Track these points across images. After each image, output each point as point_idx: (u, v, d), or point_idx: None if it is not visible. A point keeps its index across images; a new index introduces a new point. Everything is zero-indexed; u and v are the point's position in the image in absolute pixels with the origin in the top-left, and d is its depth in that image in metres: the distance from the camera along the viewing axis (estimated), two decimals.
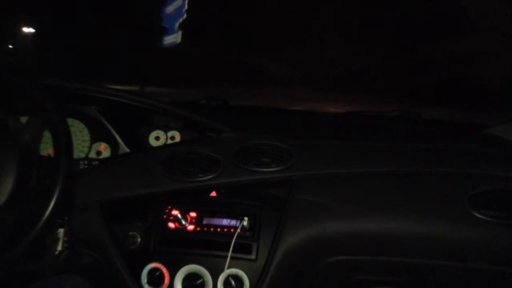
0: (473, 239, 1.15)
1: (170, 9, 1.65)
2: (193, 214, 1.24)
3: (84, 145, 1.42)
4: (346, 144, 1.36)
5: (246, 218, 1.20)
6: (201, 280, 1.16)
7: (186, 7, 1.64)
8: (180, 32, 1.66)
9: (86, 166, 1.31)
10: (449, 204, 1.19)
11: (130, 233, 1.25)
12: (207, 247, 1.20)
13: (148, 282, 1.18)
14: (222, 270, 1.15)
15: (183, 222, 1.22)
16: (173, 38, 1.67)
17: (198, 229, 1.23)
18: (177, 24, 1.65)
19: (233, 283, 1.15)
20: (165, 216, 1.25)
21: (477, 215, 1.15)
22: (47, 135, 1.37)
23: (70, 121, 1.40)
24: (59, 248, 1.13)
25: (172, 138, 1.49)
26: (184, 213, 1.24)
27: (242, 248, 1.18)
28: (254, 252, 1.18)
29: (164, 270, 1.18)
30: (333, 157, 1.30)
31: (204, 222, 1.23)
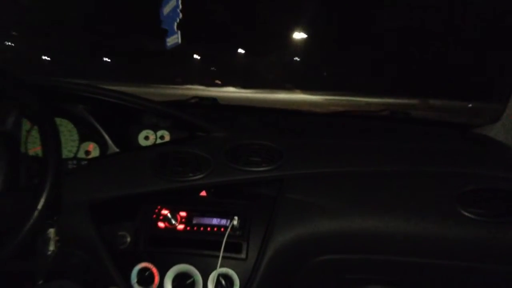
0: (461, 237, 1.16)
1: (166, 10, 1.64)
2: (183, 214, 1.24)
3: (73, 144, 1.41)
4: (336, 144, 1.36)
5: (236, 218, 1.20)
6: (191, 279, 1.16)
7: (180, 6, 1.63)
8: (179, 33, 1.65)
9: (74, 166, 1.30)
10: (438, 203, 1.19)
11: (120, 233, 1.25)
12: (197, 246, 1.19)
13: (138, 282, 1.17)
14: (212, 270, 1.15)
15: (173, 222, 1.22)
16: (174, 39, 1.66)
17: (188, 228, 1.22)
18: (175, 25, 1.64)
19: (223, 282, 1.15)
20: (154, 216, 1.25)
21: (466, 213, 1.16)
22: (35, 134, 1.36)
23: (58, 120, 1.39)
24: (51, 247, 1.13)
25: (162, 137, 1.49)
26: (174, 213, 1.24)
27: (232, 247, 1.18)
28: (244, 251, 1.18)
29: (154, 270, 1.18)
30: (323, 157, 1.31)
31: (194, 222, 1.23)
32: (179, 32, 1.64)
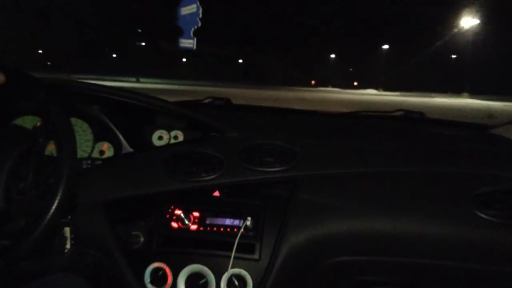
0: (477, 239, 1.15)
1: (184, 10, 1.63)
2: (196, 214, 1.24)
3: (87, 144, 1.42)
4: (350, 144, 1.35)
5: (249, 218, 1.20)
6: (204, 280, 1.16)
7: (200, 15, 1.62)
8: (195, 40, 1.64)
9: (89, 166, 1.30)
10: (454, 204, 1.18)
11: (133, 233, 1.25)
12: (210, 246, 1.20)
13: (151, 282, 1.18)
14: (225, 270, 1.15)
15: (186, 222, 1.22)
16: (188, 43, 1.65)
17: (201, 228, 1.23)
18: (192, 31, 1.64)
19: (236, 283, 1.15)
20: (168, 216, 1.25)
21: (482, 215, 1.15)
22: None
23: (73, 120, 1.40)
24: (68, 246, 1.14)
25: (175, 137, 1.49)
26: (187, 213, 1.24)
27: (245, 248, 1.18)
28: (257, 252, 1.18)
29: (167, 269, 1.18)
30: (336, 157, 1.30)
31: (207, 222, 1.23)
32: (195, 39, 1.64)
